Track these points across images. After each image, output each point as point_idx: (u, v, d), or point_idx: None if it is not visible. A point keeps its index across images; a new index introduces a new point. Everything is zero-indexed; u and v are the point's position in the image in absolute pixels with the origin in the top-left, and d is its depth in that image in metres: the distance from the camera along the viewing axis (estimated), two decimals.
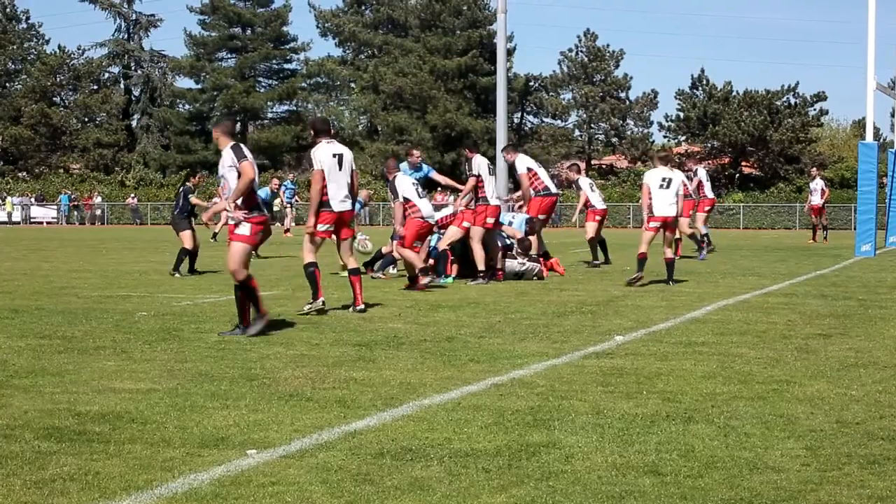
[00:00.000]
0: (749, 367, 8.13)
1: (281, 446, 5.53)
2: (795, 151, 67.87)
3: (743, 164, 70.01)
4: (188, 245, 18.01)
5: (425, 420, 6.17)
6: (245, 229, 9.90)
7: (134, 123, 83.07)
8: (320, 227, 11.72)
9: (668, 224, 15.42)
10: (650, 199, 15.44)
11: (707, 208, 23.66)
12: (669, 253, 15.77)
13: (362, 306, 11.89)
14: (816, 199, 31.83)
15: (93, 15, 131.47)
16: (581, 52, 74.40)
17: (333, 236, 11.90)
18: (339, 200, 11.73)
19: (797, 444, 5.63)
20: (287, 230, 36.62)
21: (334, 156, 11.79)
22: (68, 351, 8.79)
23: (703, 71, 72.06)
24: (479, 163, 15.89)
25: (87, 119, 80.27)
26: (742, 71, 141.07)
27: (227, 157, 9.92)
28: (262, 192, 29.56)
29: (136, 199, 69.89)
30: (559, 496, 4.71)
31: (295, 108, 79.75)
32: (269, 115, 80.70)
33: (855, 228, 30.42)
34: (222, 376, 7.58)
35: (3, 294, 13.93)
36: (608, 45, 74.32)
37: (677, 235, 15.31)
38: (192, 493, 4.70)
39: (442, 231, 16.66)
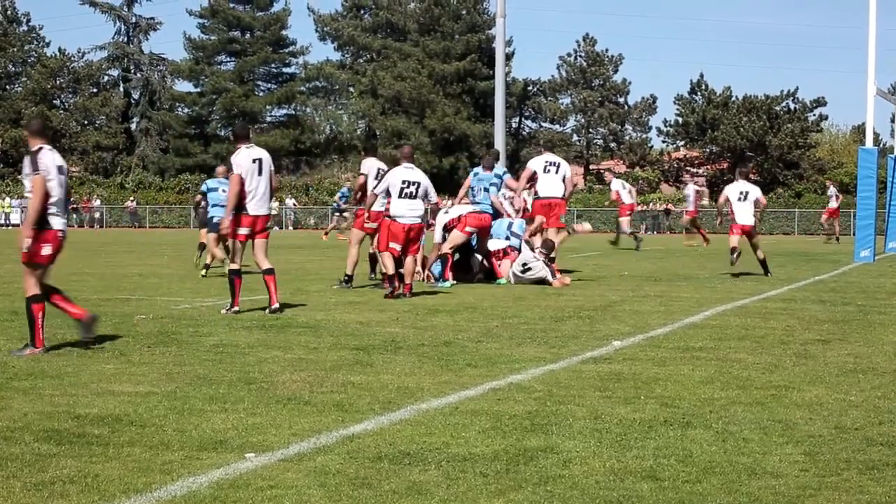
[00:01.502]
0: (747, 372, 8.13)
1: (279, 450, 5.53)
2: (795, 157, 67.93)
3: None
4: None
5: (423, 424, 6.17)
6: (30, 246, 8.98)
7: (133, 126, 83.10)
8: (239, 231, 11.84)
9: (748, 232, 17.87)
10: (728, 207, 18.21)
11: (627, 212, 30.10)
12: (760, 254, 18.11)
13: (277, 305, 11.93)
14: (690, 207, 35.77)
15: (93, 18, 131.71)
16: (580, 56, 74.47)
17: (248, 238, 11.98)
18: (256, 205, 11.86)
19: (796, 450, 5.63)
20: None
21: (254, 161, 11.89)
22: (67, 354, 8.80)
23: (702, 76, 72.32)
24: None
25: (86, 122, 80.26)
26: (741, 76, 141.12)
27: (26, 164, 8.86)
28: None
29: (135, 203, 69.78)
30: (557, 501, 4.71)
31: (294, 112, 79.79)
32: (268, 119, 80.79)
33: (854, 234, 30.42)
34: (220, 380, 7.58)
35: (2, 296, 13.91)
36: (607, 50, 74.53)
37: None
38: (190, 496, 4.71)
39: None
